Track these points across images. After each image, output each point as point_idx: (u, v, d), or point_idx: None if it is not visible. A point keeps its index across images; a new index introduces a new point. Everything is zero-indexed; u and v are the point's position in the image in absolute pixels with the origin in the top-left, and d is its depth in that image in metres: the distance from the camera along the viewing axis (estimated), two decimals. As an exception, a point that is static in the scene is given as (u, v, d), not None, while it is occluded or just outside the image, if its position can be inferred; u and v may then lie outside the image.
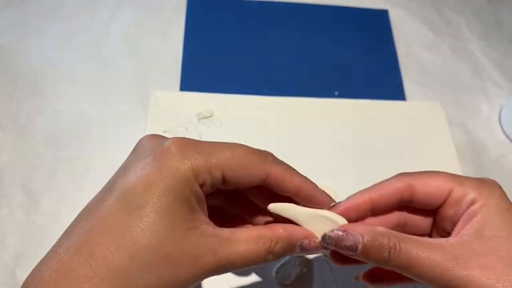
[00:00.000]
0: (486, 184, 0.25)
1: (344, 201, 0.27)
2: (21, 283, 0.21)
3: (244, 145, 0.24)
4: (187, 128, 0.42)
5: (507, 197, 0.25)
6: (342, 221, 0.25)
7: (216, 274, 0.22)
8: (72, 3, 0.52)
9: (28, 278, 0.20)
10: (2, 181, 0.40)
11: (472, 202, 0.24)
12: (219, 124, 0.43)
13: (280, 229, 0.24)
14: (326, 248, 0.25)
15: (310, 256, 0.36)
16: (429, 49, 0.54)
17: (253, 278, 0.34)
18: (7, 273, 0.35)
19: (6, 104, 0.44)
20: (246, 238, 0.23)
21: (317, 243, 0.25)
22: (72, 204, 0.39)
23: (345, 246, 0.24)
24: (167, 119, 0.42)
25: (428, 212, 0.27)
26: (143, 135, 0.25)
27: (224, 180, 0.23)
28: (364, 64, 0.52)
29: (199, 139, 0.28)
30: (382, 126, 0.45)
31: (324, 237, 0.24)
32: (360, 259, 0.24)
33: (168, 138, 0.24)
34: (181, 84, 0.47)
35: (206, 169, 0.22)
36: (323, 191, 0.26)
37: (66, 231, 0.22)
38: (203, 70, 0.49)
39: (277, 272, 0.35)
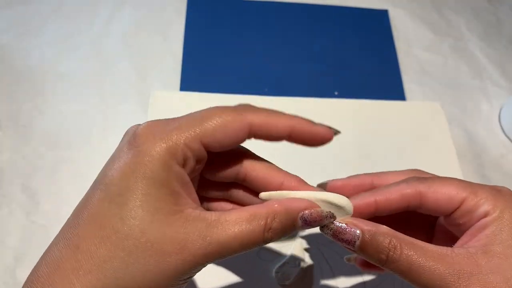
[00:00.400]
0: (501, 195, 0.23)
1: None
2: (21, 283, 0.21)
3: (215, 107, 0.22)
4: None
5: None
6: (348, 206, 0.23)
7: (211, 261, 0.21)
8: (72, 3, 0.52)
9: (28, 275, 0.21)
10: (2, 181, 0.40)
11: (485, 215, 0.23)
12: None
13: (275, 204, 0.22)
14: (327, 228, 0.23)
15: (310, 257, 0.36)
16: (429, 49, 0.54)
17: (253, 278, 0.34)
18: (7, 273, 0.35)
19: (6, 104, 0.44)
20: (237, 218, 0.21)
21: (319, 213, 0.23)
22: (72, 204, 0.38)
23: (342, 239, 0.22)
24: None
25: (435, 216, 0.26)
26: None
27: (206, 147, 0.22)
28: (364, 64, 0.52)
29: None
30: (382, 126, 0.45)
31: (322, 226, 0.23)
32: (359, 255, 0.23)
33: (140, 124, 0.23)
34: (181, 84, 0.47)
35: (181, 145, 0.21)
36: (321, 124, 0.24)
37: (61, 229, 0.22)
38: (203, 70, 0.49)
39: (277, 272, 0.35)
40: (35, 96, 0.45)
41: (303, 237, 0.37)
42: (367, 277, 0.36)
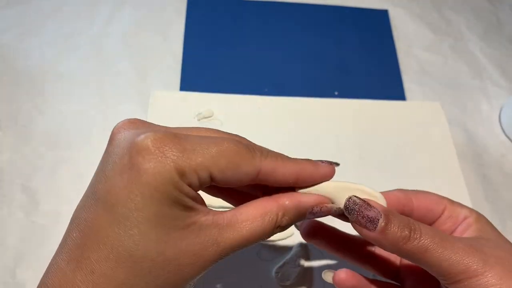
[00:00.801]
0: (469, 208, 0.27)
1: None
2: (21, 283, 0.21)
3: (231, 139, 0.22)
4: (187, 128, 0.42)
5: None
6: (382, 198, 0.24)
7: (220, 259, 0.22)
8: (72, 3, 0.52)
9: None
10: (2, 181, 0.40)
11: (466, 217, 0.26)
12: (219, 124, 0.43)
13: (286, 200, 0.23)
14: (342, 215, 0.24)
15: (310, 257, 0.36)
16: (429, 49, 0.54)
17: (253, 278, 0.34)
18: (7, 273, 0.35)
19: (6, 104, 0.44)
20: (250, 218, 0.22)
21: (329, 207, 0.23)
22: (72, 204, 0.38)
23: (367, 216, 0.23)
24: (167, 119, 0.42)
25: None
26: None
27: (212, 180, 0.21)
28: (364, 64, 0.52)
29: None
30: (382, 126, 0.45)
31: (348, 200, 0.23)
32: (375, 238, 0.23)
33: (143, 125, 0.22)
34: (181, 84, 0.47)
35: (191, 169, 0.20)
36: (324, 164, 0.24)
37: (62, 239, 0.21)
38: (203, 70, 0.49)
39: (277, 273, 0.35)
40: (35, 96, 0.45)
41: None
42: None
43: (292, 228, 0.37)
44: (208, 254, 0.21)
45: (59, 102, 0.45)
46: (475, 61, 0.54)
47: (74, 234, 0.20)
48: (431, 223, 0.27)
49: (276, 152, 0.23)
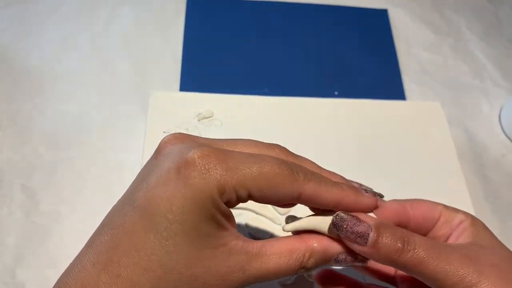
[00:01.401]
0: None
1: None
2: (21, 283, 0.20)
3: (274, 160, 0.22)
4: (187, 129, 0.42)
5: None
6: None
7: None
8: (72, 3, 0.52)
9: (55, 286, 0.20)
10: (2, 181, 0.40)
11: (461, 221, 0.26)
12: (219, 125, 0.43)
13: (314, 243, 0.23)
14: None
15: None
16: (429, 49, 0.54)
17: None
18: (7, 273, 0.35)
19: (6, 104, 0.44)
20: (277, 253, 0.22)
21: (353, 259, 0.24)
22: (72, 204, 0.39)
23: (356, 231, 0.22)
24: (167, 119, 0.42)
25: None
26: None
27: (250, 197, 0.22)
28: (364, 64, 0.52)
29: None
30: (382, 126, 0.45)
31: (336, 216, 0.23)
32: (367, 252, 0.22)
33: (193, 141, 0.22)
34: (181, 84, 0.47)
35: (231, 188, 0.21)
36: (365, 191, 0.24)
37: (90, 241, 0.21)
38: (203, 70, 0.49)
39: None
40: (35, 96, 0.45)
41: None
42: (367, 278, 0.36)
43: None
44: (233, 279, 0.21)
45: (59, 102, 0.45)
46: (475, 61, 0.54)
47: (105, 238, 0.20)
48: (428, 230, 0.27)
49: (320, 176, 0.23)
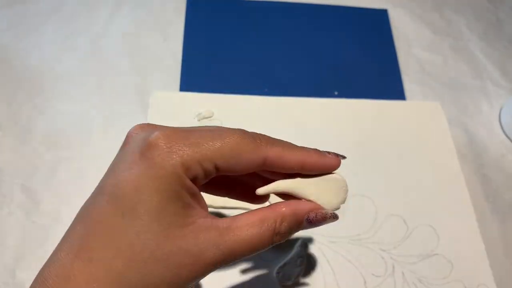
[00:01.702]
0: None
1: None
2: (21, 283, 0.21)
3: (235, 131, 0.23)
4: (187, 128, 0.42)
5: None
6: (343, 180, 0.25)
7: (221, 267, 0.22)
8: (72, 3, 0.52)
9: (33, 282, 0.20)
10: (2, 181, 0.40)
11: None
12: (219, 124, 0.43)
13: (283, 207, 0.23)
14: (332, 218, 0.24)
15: (311, 257, 0.36)
16: (429, 49, 0.54)
17: (254, 278, 0.34)
18: (7, 273, 0.35)
19: (6, 104, 0.44)
20: (248, 223, 0.22)
21: (324, 213, 0.24)
22: (72, 204, 0.39)
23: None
24: (167, 120, 0.42)
25: None
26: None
27: (217, 169, 0.22)
28: (364, 64, 0.52)
29: None
30: (382, 126, 0.45)
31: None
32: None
33: (156, 127, 0.23)
34: (181, 84, 0.47)
35: (196, 162, 0.21)
36: (330, 155, 0.25)
37: (65, 234, 0.21)
38: (203, 70, 0.49)
39: (278, 273, 0.35)
40: (35, 96, 0.45)
41: (304, 237, 0.37)
42: (368, 278, 0.36)
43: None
44: (209, 256, 0.21)
45: (59, 102, 0.45)
46: (475, 61, 0.54)
47: (77, 228, 0.21)
48: None
49: (282, 141, 0.24)
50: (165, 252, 0.20)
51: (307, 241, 0.37)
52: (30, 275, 0.35)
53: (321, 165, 0.24)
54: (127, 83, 0.47)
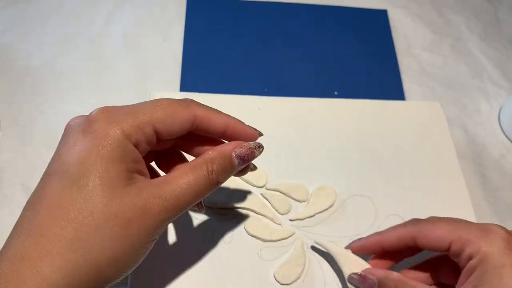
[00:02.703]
0: (486, 235, 0.26)
1: (357, 240, 0.33)
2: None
3: (165, 98, 0.25)
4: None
5: (509, 247, 0.25)
6: (366, 264, 0.31)
7: (172, 217, 0.23)
8: (72, 3, 0.52)
9: None
10: (2, 181, 0.40)
11: (470, 257, 0.25)
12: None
13: (209, 152, 0.26)
14: (258, 147, 0.27)
15: (312, 257, 0.36)
16: (429, 49, 0.54)
17: (254, 278, 0.34)
18: (7, 273, 0.35)
19: (6, 104, 0.44)
20: (183, 171, 0.24)
21: (248, 146, 0.27)
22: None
23: (365, 286, 0.30)
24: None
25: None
26: None
27: (157, 134, 0.24)
28: (363, 64, 0.52)
29: None
30: (382, 126, 0.45)
31: (349, 277, 0.31)
32: None
33: (92, 112, 0.24)
34: (181, 84, 0.47)
35: (136, 128, 0.23)
36: (250, 126, 0.28)
37: (15, 225, 0.22)
38: (203, 70, 0.49)
39: (278, 273, 0.35)
40: (35, 96, 0.45)
41: (304, 238, 0.37)
42: (367, 277, 0.36)
43: (293, 228, 0.37)
44: (154, 208, 0.22)
45: (59, 102, 0.45)
46: (475, 61, 0.54)
47: (27, 212, 0.22)
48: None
49: (209, 106, 0.27)
50: (112, 210, 0.21)
51: (307, 241, 0.37)
52: (30, 275, 0.35)
53: (241, 130, 0.27)
54: (127, 84, 0.47)
